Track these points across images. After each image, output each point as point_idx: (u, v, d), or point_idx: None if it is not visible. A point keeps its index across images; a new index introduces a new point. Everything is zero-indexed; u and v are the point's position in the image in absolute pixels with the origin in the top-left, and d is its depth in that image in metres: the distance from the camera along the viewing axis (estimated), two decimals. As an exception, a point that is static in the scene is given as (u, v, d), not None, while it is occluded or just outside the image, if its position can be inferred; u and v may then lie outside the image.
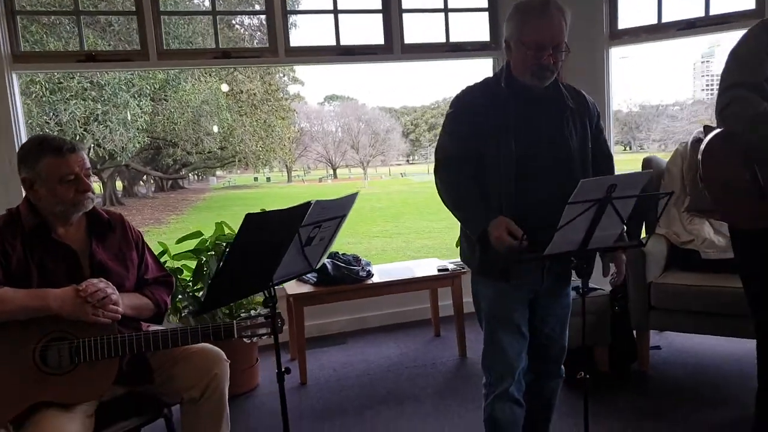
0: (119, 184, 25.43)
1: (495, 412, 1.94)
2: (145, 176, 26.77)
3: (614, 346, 3.18)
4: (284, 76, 22.56)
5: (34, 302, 1.71)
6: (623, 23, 4.21)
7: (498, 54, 4.34)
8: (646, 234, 3.52)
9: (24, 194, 1.89)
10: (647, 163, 3.51)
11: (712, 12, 3.91)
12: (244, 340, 1.92)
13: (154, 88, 13.98)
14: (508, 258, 1.79)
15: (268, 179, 37.12)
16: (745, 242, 2.12)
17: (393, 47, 4.10)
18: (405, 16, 4.12)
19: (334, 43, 4.01)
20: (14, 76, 3.50)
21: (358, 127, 38.03)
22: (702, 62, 51.56)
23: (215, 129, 18.81)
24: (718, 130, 2.08)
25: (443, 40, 4.24)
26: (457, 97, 1.95)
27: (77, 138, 12.88)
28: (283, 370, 1.81)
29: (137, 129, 13.72)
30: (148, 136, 15.91)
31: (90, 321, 1.75)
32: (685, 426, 2.60)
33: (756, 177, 1.95)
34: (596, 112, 2.01)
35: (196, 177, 35.51)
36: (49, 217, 1.86)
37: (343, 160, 38.83)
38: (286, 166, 35.68)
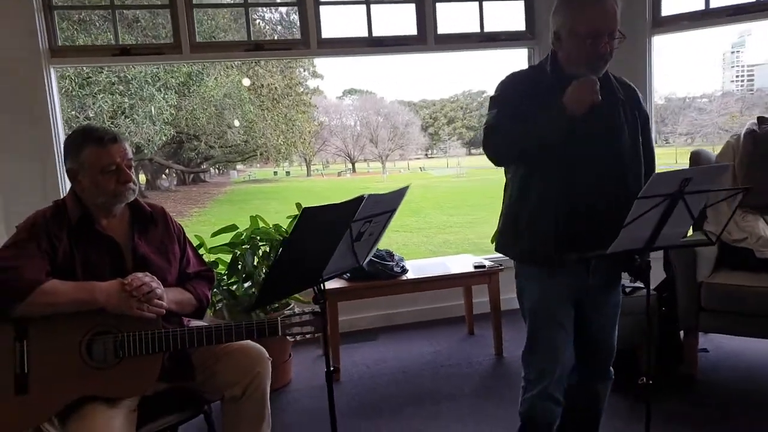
0: (142, 178, 25.73)
1: (532, 410, 1.90)
2: (167, 170, 27.00)
3: (661, 348, 3.06)
4: (304, 70, 22.52)
5: (81, 295, 1.68)
6: (667, 10, 4.05)
7: (533, 44, 4.22)
8: (693, 231, 3.39)
9: (69, 186, 1.85)
10: (696, 156, 3.36)
11: (762, -2, 3.74)
12: (288, 338, 1.86)
13: (179, 81, 14.03)
14: (562, 253, 1.74)
15: (288, 173, 37.19)
16: None
17: (426, 38, 4.00)
18: (438, 5, 4.01)
19: (366, 34, 3.92)
20: (52, 70, 3.49)
21: (376, 121, 37.91)
22: (732, 52, 50.37)
23: (236, 123, 18.85)
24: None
25: (477, 29, 4.13)
26: (503, 82, 1.88)
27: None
28: (332, 369, 1.73)
29: (163, 122, 13.78)
30: (174, 130, 16.01)
31: (135, 315, 1.71)
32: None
33: None
34: (645, 109, 1.93)
35: (217, 171, 35.72)
36: (93, 208, 1.82)
37: (362, 154, 38.75)
38: (306, 160, 35.71)
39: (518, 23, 4.23)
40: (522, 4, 4.21)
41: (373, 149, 37.46)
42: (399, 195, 1.73)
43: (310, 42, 3.79)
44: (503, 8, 4.25)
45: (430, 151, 43.53)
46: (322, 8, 3.81)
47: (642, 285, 3.10)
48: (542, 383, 1.87)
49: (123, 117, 12.90)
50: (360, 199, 1.54)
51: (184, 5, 3.57)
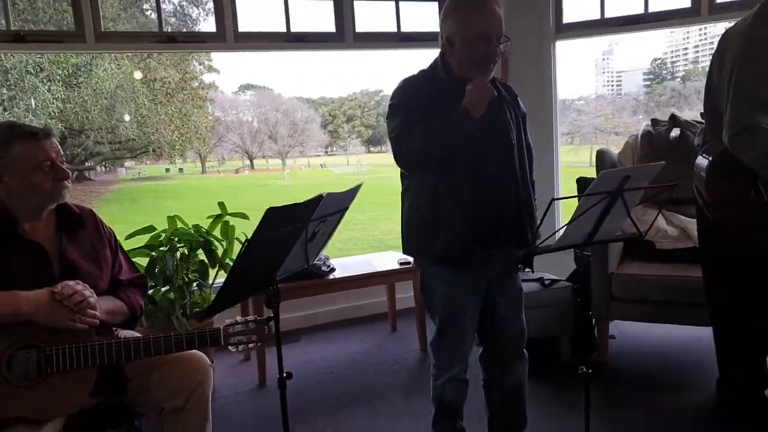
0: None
1: (444, 393, 2.06)
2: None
3: (576, 337, 3.26)
4: (199, 64, 21.62)
5: (3, 307, 1.49)
6: (568, 18, 4.32)
7: (448, 45, 4.32)
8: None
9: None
10: (601, 155, 3.61)
11: (651, 9, 4.08)
12: (230, 348, 1.77)
13: (66, 73, 12.93)
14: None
15: (181, 170, 35.53)
16: (730, 257, 2.22)
17: (345, 35, 3.98)
18: (356, 3, 4.00)
19: (284, 30, 3.83)
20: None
21: (275, 117, 37.16)
22: (603, 59, 54.71)
23: (127, 117, 17.73)
24: (720, 151, 2.06)
25: (394, 29, 4.17)
26: (400, 88, 1.95)
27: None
28: (285, 375, 1.68)
29: (48, 116, 12.63)
30: (60, 125, 14.79)
31: (66, 327, 1.55)
32: (649, 413, 2.69)
33: (760, 193, 1.99)
34: (523, 109, 2.08)
35: (103, 168, 33.41)
36: (16, 212, 1.63)
37: (261, 150, 37.86)
38: (200, 156, 34.31)
39: (432, 24, 4.33)
40: (436, 6, 4.29)
41: (273, 146, 36.70)
42: (352, 193, 1.71)
43: (227, 35, 3.64)
44: (418, 9, 4.32)
45: (330, 149, 43.42)
46: (239, 1, 3.67)
47: (557, 278, 3.31)
48: (451, 371, 2.03)
49: (1, 109, 11.67)
50: (319, 198, 1.51)
51: (87, -11, 3.30)
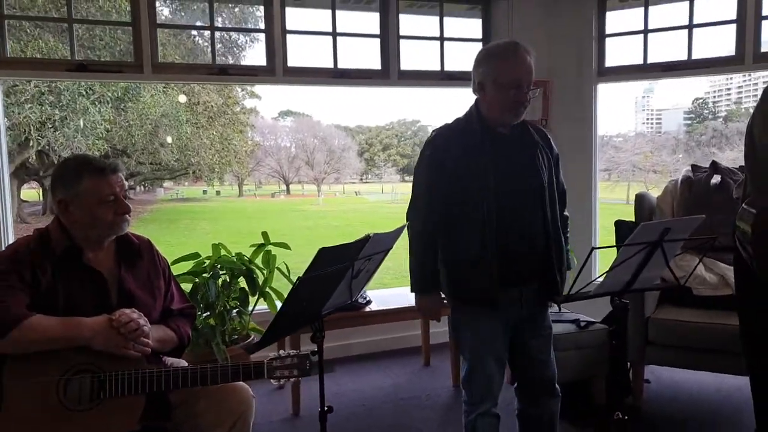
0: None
1: (476, 427, 2.08)
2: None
3: (610, 379, 3.22)
4: (242, 90, 22.24)
5: (68, 331, 1.60)
6: (610, 62, 4.36)
7: (489, 84, 4.40)
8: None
9: (54, 216, 1.77)
10: (640, 199, 3.61)
11: (694, 56, 4.10)
12: (272, 381, 1.83)
13: (115, 96, 13.48)
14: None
15: (218, 192, 36.34)
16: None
17: (390, 73, 4.10)
18: (402, 41, 4.13)
19: (332, 66, 3.98)
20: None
21: (313, 144, 37.86)
22: (643, 97, 54.30)
23: (169, 139, 18.29)
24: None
25: (438, 68, 4.28)
26: (434, 137, 2.07)
27: (26, 141, 12.32)
28: (326, 408, 1.73)
29: (96, 137, 13.14)
30: (106, 145, 15.38)
31: (121, 353, 1.64)
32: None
33: None
34: (556, 152, 2.16)
35: (142, 188, 34.37)
36: (81, 240, 1.74)
37: (297, 176, 38.50)
38: (238, 179, 35.05)
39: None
40: (480, 46, 4.39)
41: (309, 171, 37.31)
42: (397, 234, 1.78)
43: (276, 69, 3.80)
44: (462, 48, 4.42)
45: (365, 176, 43.85)
46: (289, 37, 3.83)
47: (593, 320, 3.29)
48: (485, 406, 2.07)
49: (52, 129, 12.19)
50: (366, 238, 1.58)
51: (148, 24, 3.50)
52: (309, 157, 37.19)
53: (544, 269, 2.02)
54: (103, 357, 1.65)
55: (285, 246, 3.20)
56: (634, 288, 1.84)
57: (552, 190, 2.07)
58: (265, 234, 3.24)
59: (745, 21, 3.89)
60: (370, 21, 4.17)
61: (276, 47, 3.79)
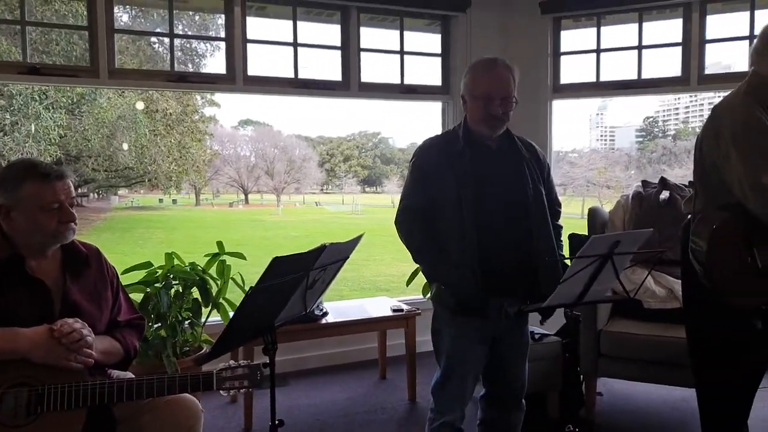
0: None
1: None
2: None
3: (564, 392, 3.27)
4: (202, 98, 21.91)
5: (3, 344, 1.52)
6: (565, 79, 4.48)
7: (448, 98, 4.45)
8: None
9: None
10: (593, 213, 3.70)
11: (644, 76, 4.25)
12: (222, 393, 1.78)
13: (71, 101, 13.10)
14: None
15: (174, 201, 35.59)
16: (717, 320, 2.22)
17: (350, 84, 4.10)
18: (363, 54, 4.15)
19: (292, 76, 3.96)
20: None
21: (273, 153, 37.52)
22: (597, 114, 55.96)
23: (125, 146, 17.85)
24: (725, 216, 2.11)
25: (398, 81, 4.30)
26: (421, 150, 2.15)
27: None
28: (277, 422, 1.69)
29: (48, 143, 12.71)
30: (59, 151, 14.90)
31: (62, 366, 1.57)
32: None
33: (755, 258, 2.05)
34: (546, 162, 2.22)
35: (96, 195, 33.36)
36: (23, 248, 1.66)
37: (256, 185, 38.05)
38: (195, 188, 34.42)
39: (435, 78, 4.46)
40: (439, 61, 4.44)
41: (269, 181, 36.92)
42: (353, 243, 1.77)
43: (236, 78, 3.76)
44: (422, 63, 4.47)
45: (326, 187, 43.70)
46: (250, 46, 3.80)
47: (547, 332, 3.34)
48: (450, 416, 2.09)
49: (1, 134, 11.73)
50: (322, 248, 1.56)
51: (105, 30, 3.41)
52: (269, 167, 36.84)
53: (527, 282, 2.04)
54: (42, 369, 1.58)
55: (240, 256, 3.15)
56: (586, 300, 1.87)
57: (539, 202, 2.09)
58: (219, 243, 3.18)
59: (690, 44, 4.06)
60: (331, 33, 4.17)
61: (236, 56, 3.75)
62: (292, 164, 37.34)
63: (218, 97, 23.02)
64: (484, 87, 2.01)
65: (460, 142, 2.07)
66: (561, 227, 2.25)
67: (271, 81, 3.90)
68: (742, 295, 2.10)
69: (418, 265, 2.26)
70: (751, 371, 2.27)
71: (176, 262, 3.12)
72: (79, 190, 27.23)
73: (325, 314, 3.39)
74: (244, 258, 3.14)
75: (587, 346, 3.21)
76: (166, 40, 17.45)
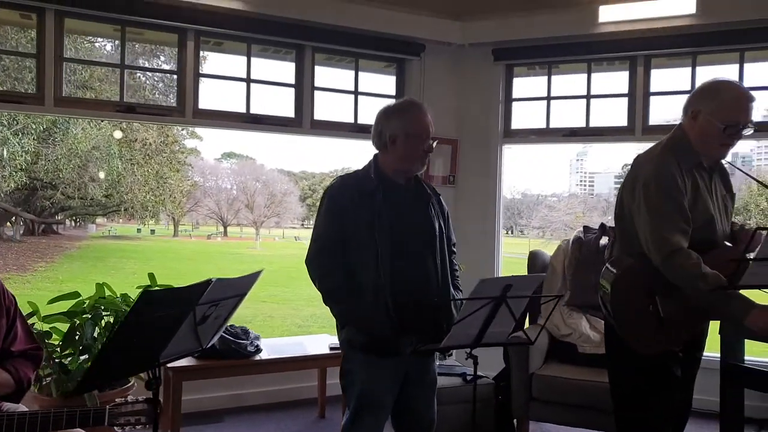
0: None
1: None
2: (14, 217, 24.46)
3: (496, 434, 3.25)
4: (183, 129, 21.94)
5: None
6: (516, 124, 4.59)
7: (402, 139, 4.51)
8: (529, 324, 3.70)
9: None
10: (533, 256, 3.75)
11: (591, 124, 4.37)
12: (116, 429, 1.74)
13: (41, 129, 13.06)
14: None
15: (153, 231, 35.21)
16: (631, 365, 2.23)
17: (302, 121, 4.15)
18: (316, 93, 4.22)
19: (244, 110, 4.00)
20: None
21: (254, 187, 37.47)
22: (577, 160, 56.99)
23: (101, 175, 17.74)
24: (630, 262, 2.17)
25: (351, 120, 4.37)
26: (332, 188, 2.19)
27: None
28: (159, 461, 1.66)
29: (15, 168, 12.59)
30: (27, 177, 14.78)
31: None
32: None
33: (657, 307, 2.11)
34: (445, 205, 2.32)
35: (73, 223, 32.92)
36: None
37: (236, 218, 37.85)
38: (174, 219, 34.14)
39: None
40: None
41: (248, 215, 36.75)
42: (250, 280, 1.77)
43: (186, 111, 3.79)
44: (377, 103, 4.55)
45: (306, 222, 43.59)
46: (201, 80, 3.85)
47: (482, 375, 3.34)
48: None
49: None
50: (207, 282, 1.56)
51: (53, 58, 3.44)
52: (249, 200, 36.71)
53: (434, 318, 2.08)
54: None
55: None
56: (486, 342, 1.88)
57: (442, 239, 2.18)
58: (151, 275, 3.15)
59: (636, 96, 4.20)
60: (286, 70, 4.25)
61: (187, 89, 3.79)
62: (272, 198, 37.27)
63: (200, 129, 23.05)
64: (423, 125, 2.13)
65: (373, 181, 2.12)
66: (456, 265, 2.31)
67: (221, 115, 3.94)
68: (644, 341, 2.13)
69: None
70: (669, 414, 2.28)
71: (108, 293, 3.09)
72: (57, 217, 26.88)
73: (259, 350, 3.35)
74: (176, 290, 3.11)
75: (519, 389, 3.21)
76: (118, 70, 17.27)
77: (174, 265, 19.48)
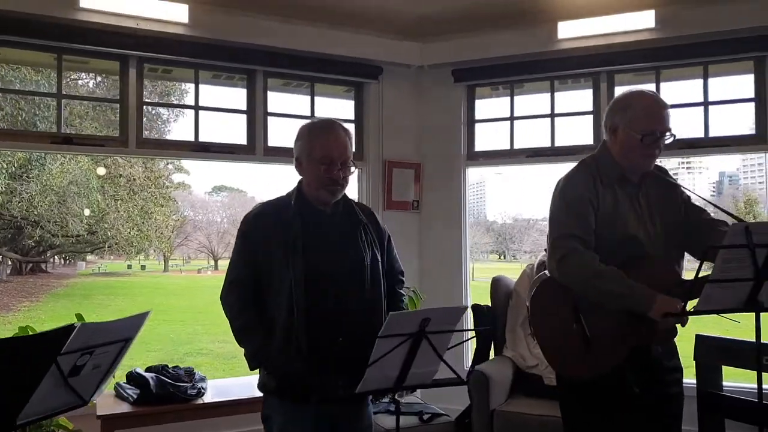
0: (-34, 265, 22.74)
1: None
2: (0, 257, 24.15)
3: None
4: (168, 164, 21.85)
5: None
6: (480, 146, 4.44)
7: (362, 164, 4.35)
8: (494, 355, 3.50)
9: None
10: (495, 283, 3.55)
11: (557, 143, 4.23)
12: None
13: (13, 167, 12.92)
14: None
15: (143, 267, 34.83)
16: (570, 393, 2.06)
17: (255, 148, 3.98)
18: (270, 118, 4.07)
19: (192, 138, 3.84)
20: None
21: (245, 220, 37.33)
22: (568, 184, 57.19)
23: (87, 212, 17.54)
24: (547, 276, 2.08)
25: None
26: (247, 216, 2.01)
27: None
28: None
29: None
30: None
31: None
32: None
33: (582, 325, 1.95)
34: (386, 230, 2.11)
35: (62, 261, 32.53)
36: None
37: (227, 251, 37.53)
38: (164, 255, 33.82)
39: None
40: (353, 127, 4.36)
41: (239, 248, 36.53)
42: (134, 322, 1.57)
43: (129, 141, 3.63)
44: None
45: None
46: (148, 108, 3.70)
47: (441, 412, 3.11)
48: None
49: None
50: (69, 328, 1.36)
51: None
52: (239, 233, 36.55)
53: (363, 357, 1.84)
54: None
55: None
56: (410, 384, 1.67)
57: (376, 269, 1.97)
58: (79, 315, 2.93)
59: (601, 113, 4.05)
60: (239, 96, 4.10)
61: (129, 117, 3.63)
62: (264, 230, 37.11)
63: (187, 164, 22.99)
64: (325, 150, 1.90)
65: (292, 208, 1.93)
66: (403, 296, 2.11)
67: (166, 144, 3.79)
68: (569, 365, 1.97)
69: None
70: None
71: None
72: (46, 255, 26.56)
73: (201, 393, 3.11)
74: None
75: (479, 427, 2.99)
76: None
77: (162, 300, 19.17)
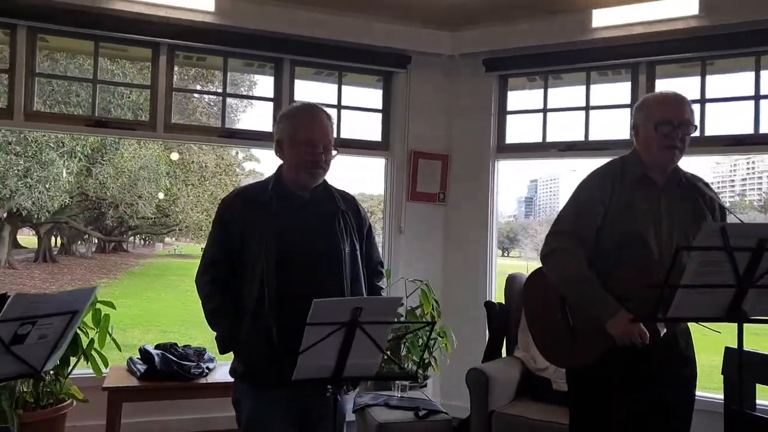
0: (58, 241, 24.54)
1: None
2: (85, 235, 25.92)
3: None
4: (238, 153, 22.52)
5: None
6: (511, 138, 4.28)
7: (388, 154, 4.31)
8: (506, 354, 3.38)
9: None
10: (510, 280, 3.42)
11: (591, 137, 4.01)
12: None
13: (90, 151, 13.72)
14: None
15: (217, 251, 36.18)
16: (569, 382, 2.13)
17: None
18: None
19: (219, 125, 3.93)
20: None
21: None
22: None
23: (161, 195, 18.40)
24: (537, 268, 2.15)
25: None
26: (224, 199, 2.02)
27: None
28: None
29: (59, 189, 13.23)
30: (80, 197, 15.45)
31: None
32: None
33: (567, 317, 2.01)
34: (366, 218, 2.08)
35: (142, 242, 34.39)
36: None
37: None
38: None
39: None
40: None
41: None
42: (79, 295, 1.61)
43: (157, 126, 3.75)
44: (362, 118, 4.37)
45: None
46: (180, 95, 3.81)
47: (439, 409, 3.04)
48: None
49: (15, 179, 12.36)
50: (3, 297, 1.41)
51: (24, 73, 3.50)
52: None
53: None
54: None
55: (111, 305, 3.04)
56: (351, 375, 1.63)
57: (354, 258, 1.95)
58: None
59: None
60: (266, 84, 4.15)
61: (158, 103, 3.75)
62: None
63: (256, 152, 23.58)
64: (308, 133, 1.90)
65: (269, 192, 1.92)
66: (381, 288, 2.07)
67: (194, 129, 3.89)
68: (556, 354, 2.06)
69: None
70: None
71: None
72: (125, 236, 28.25)
73: (205, 374, 3.19)
74: (114, 307, 3.03)
75: (477, 427, 2.89)
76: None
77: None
